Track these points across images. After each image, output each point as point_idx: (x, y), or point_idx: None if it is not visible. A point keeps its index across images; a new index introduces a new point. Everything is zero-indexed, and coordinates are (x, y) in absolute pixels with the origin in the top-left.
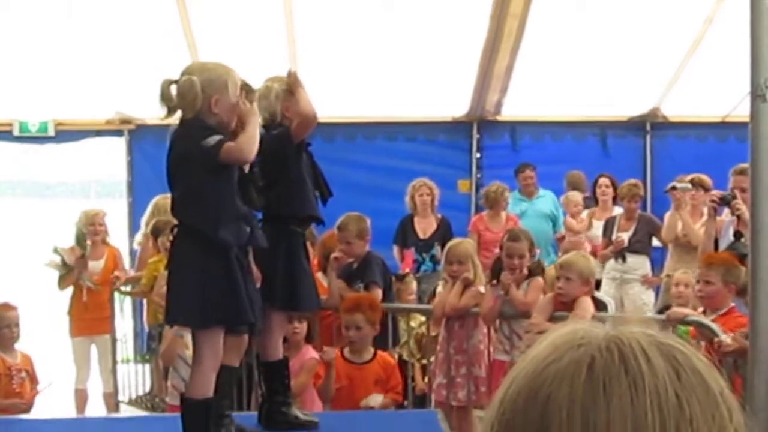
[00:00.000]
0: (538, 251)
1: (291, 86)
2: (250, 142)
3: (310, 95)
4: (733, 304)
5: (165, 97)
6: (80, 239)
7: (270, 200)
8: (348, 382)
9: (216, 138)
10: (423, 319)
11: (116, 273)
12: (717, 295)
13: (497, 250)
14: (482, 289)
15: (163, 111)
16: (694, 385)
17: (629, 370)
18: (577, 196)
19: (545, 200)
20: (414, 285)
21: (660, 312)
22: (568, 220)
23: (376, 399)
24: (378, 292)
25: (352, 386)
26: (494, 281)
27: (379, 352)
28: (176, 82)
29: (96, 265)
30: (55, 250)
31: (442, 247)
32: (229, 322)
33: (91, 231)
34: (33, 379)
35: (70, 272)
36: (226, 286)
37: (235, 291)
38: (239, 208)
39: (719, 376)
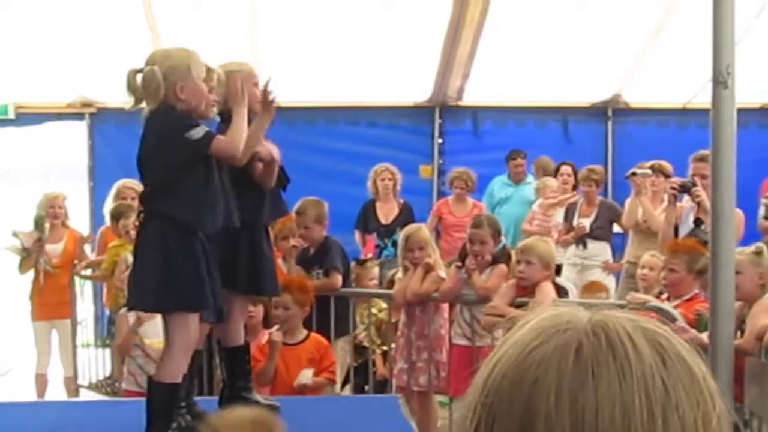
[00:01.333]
0: (503, 239)
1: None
2: (240, 133)
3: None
4: (696, 291)
5: (131, 87)
6: (38, 222)
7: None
8: (281, 363)
9: (201, 130)
10: (384, 305)
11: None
12: (681, 283)
13: (458, 234)
14: (442, 273)
15: (131, 101)
16: (679, 371)
17: (617, 355)
18: (552, 182)
19: (531, 186)
20: (375, 270)
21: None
22: (542, 202)
23: (307, 375)
24: (338, 278)
25: (285, 367)
26: (459, 264)
27: (312, 333)
28: (141, 71)
29: (55, 248)
30: (15, 234)
31: None
32: (188, 308)
33: (50, 214)
34: None
35: (29, 256)
36: (189, 271)
37: (197, 276)
38: (216, 194)
39: (701, 361)
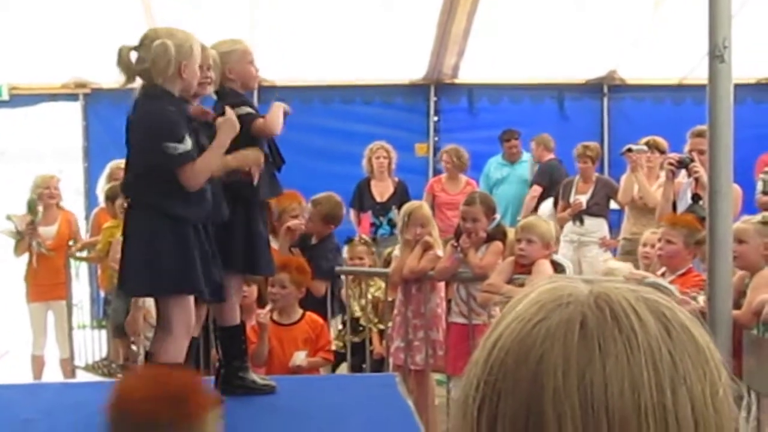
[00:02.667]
0: (497, 216)
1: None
2: (206, 169)
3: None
4: (691, 265)
5: (123, 63)
6: (31, 206)
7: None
8: (277, 344)
9: (182, 147)
10: (382, 284)
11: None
12: (677, 256)
13: (451, 213)
14: (440, 252)
15: (122, 79)
16: (685, 342)
17: (622, 328)
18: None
19: (527, 165)
20: (360, 249)
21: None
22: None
23: (300, 356)
24: (321, 289)
25: (281, 347)
26: (455, 243)
27: (307, 313)
28: (137, 47)
29: (49, 230)
30: (8, 217)
31: (400, 210)
32: (180, 291)
33: (45, 195)
34: None
35: (23, 239)
36: (179, 254)
37: (188, 259)
38: (204, 188)
39: (704, 331)
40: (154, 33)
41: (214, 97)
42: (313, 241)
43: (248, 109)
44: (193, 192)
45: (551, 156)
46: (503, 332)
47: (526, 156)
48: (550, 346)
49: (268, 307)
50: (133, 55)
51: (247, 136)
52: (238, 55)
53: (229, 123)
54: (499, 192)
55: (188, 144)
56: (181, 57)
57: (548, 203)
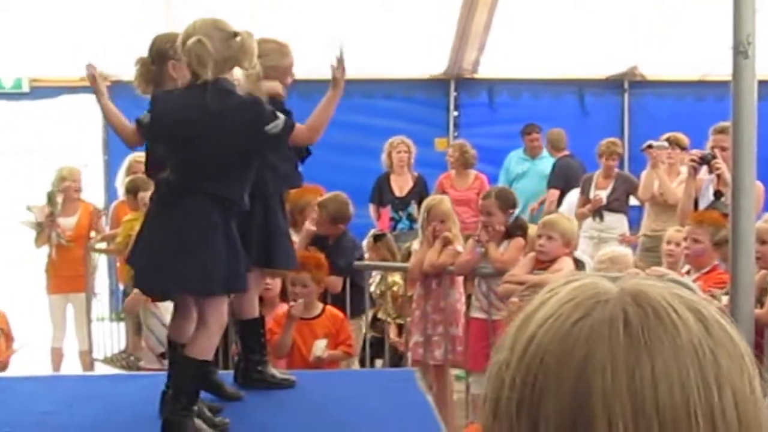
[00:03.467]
0: (514, 210)
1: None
2: (322, 123)
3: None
4: (716, 262)
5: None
6: (51, 197)
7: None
8: (298, 337)
9: (281, 123)
10: (400, 280)
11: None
12: (704, 254)
13: (461, 208)
14: (460, 248)
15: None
16: (723, 339)
17: (666, 327)
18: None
19: (548, 161)
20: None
21: None
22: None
23: (320, 346)
24: (337, 284)
25: (302, 341)
26: (478, 237)
27: (327, 307)
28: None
29: (69, 222)
30: (29, 209)
31: (419, 205)
32: (231, 290)
33: (65, 187)
34: (8, 337)
35: (43, 230)
36: (231, 253)
37: (238, 258)
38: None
39: (735, 327)
40: (194, 28)
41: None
42: (330, 241)
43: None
44: (244, 179)
45: (563, 153)
46: (536, 331)
47: (546, 152)
48: (594, 345)
49: (300, 300)
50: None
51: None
52: (281, 71)
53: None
54: (519, 187)
55: (280, 117)
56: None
57: (573, 194)
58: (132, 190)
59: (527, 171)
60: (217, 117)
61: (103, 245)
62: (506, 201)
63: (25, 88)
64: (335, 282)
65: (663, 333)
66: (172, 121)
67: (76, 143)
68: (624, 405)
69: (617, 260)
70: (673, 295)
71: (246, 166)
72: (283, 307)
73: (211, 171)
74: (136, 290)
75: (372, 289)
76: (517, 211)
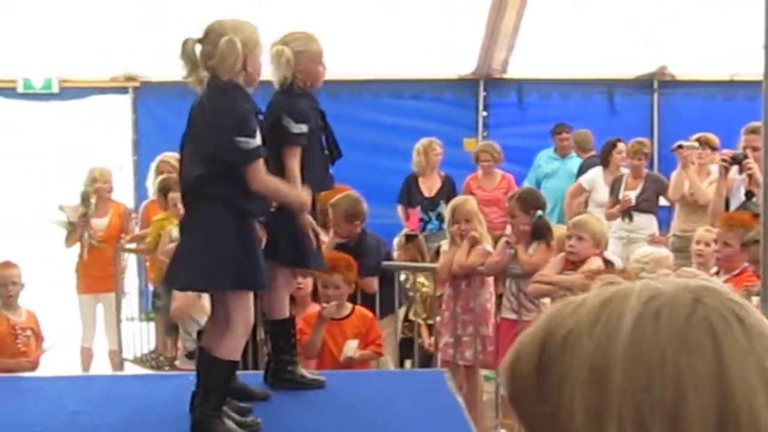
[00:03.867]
0: (537, 212)
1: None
2: (273, 188)
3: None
4: (745, 264)
5: (188, 56)
6: (84, 197)
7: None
8: (328, 338)
9: (252, 144)
10: (427, 281)
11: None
12: (734, 257)
13: (488, 209)
14: (488, 247)
15: (183, 70)
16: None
17: (746, 329)
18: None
19: (577, 161)
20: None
21: None
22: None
23: (351, 346)
24: (372, 283)
25: (332, 342)
26: (508, 238)
27: (357, 307)
28: (201, 41)
29: (101, 222)
30: (61, 208)
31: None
32: (244, 286)
33: (98, 189)
34: (38, 337)
35: (75, 230)
36: (244, 249)
37: (253, 255)
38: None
39: None
40: (220, 26)
41: (276, 87)
42: (350, 244)
43: (302, 129)
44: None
45: (590, 153)
46: (635, 334)
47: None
48: (720, 340)
49: (333, 303)
50: (198, 48)
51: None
52: (310, 55)
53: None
54: (548, 186)
55: (258, 140)
56: (246, 51)
57: (596, 170)
58: (162, 190)
59: (557, 170)
60: (196, 116)
61: (132, 245)
62: (528, 202)
63: (55, 89)
64: (370, 282)
65: (744, 337)
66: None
67: (105, 144)
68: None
69: (661, 262)
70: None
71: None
72: (314, 308)
73: (209, 174)
74: (186, 294)
75: (402, 278)
76: (547, 211)
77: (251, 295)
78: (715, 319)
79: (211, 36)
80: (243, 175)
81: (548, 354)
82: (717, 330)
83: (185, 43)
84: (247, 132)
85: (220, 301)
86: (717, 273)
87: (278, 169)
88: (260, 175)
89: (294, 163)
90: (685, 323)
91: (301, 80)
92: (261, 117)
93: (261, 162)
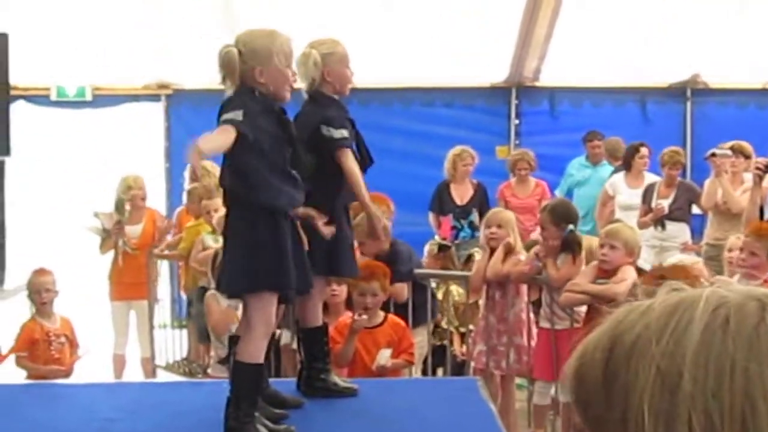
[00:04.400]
0: (569, 226)
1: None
2: (211, 144)
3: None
4: None
5: (221, 63)
6: (119, 205)
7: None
8: (361, 346)
9: (230, 114)
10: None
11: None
12: (760, 267)
13: (523, 216)
14: (522, 257)
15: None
16: None
17: None
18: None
19: (609, 168)
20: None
21: None
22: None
23: (385, 355)
24: (403, 290)
25: (364, 350)
26: (537, 251)
27: (389, 315)
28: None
29: (135, 230)
30: (96, 215)
31: (480, 213)
32: (275, 288)
33: (136, 196)
34: (72, 344)
35: (109, 237)
36: (274, 251)
37: (282, 255)
38: (285, 173)
39: None
40: (238, 37)
41: (305, 96)
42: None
43: (344, 134)
44: (277, 180)
45: (620, 163)
46: (704, 342)
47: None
48: (757, 360)
49: (365, 316)
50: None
51: (332, 161)
52: (337, 57)
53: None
54: (580, 193)
55: (240, 115)
56: (255, 62)
57: (617, 175)
58: (195, 197)
59: (588, 178)
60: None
61: (164, 250)
62: (559, 215)
63: (88, 97)
64: (401, 289)
65: None
66: None
67: (138, 151)
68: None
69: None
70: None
71: (252, 164)
72: (347, 316)
73: (230, 173)
74: (221, 309)
75: (433, 285)
76: (579, 221)
77: (274, 297)
78: (753, 339)
79: (228, 46)
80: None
81: (615, 360)
82: (756, 348)
83: (220, 50)
84: (233, 107)
85: (245, 303)
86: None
87: (323, 178)
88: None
89: (352, 163)
90: (754, 331)
91: (330, 84)
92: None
93: (223, 127)
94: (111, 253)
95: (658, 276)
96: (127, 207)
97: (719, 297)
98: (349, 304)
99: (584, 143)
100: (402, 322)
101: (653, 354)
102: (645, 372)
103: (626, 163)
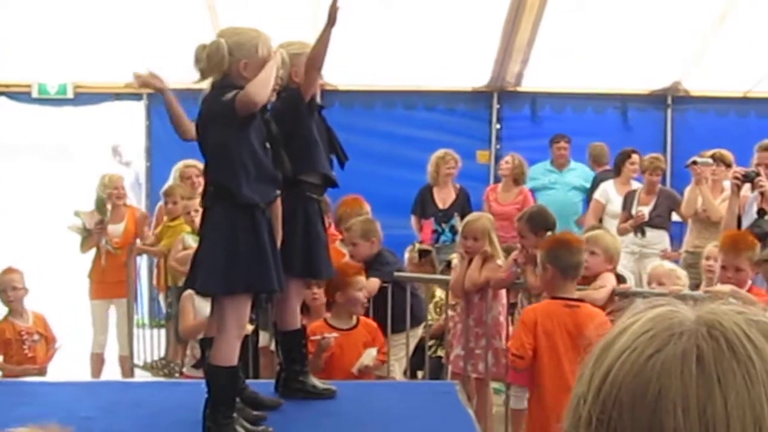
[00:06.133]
0: (547, 233)
1: (330, 16)
2: (260, 84)
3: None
4: (750, 282)
5: (198, 60)
6: (99, 204)
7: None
8: (337, 349)
9: (233, 92)
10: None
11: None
12: (747, 279)
13: (501, 223)
14: (500, 262)
15: (197, 75)
16: None
17: (740, 359)
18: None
19: (576, 172)
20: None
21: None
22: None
23: (371, 354)
24: (374, 282)
25: (341, 352)
26: (516, 257)
27: (362, 318)
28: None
29: (117, 229)
30: (76, 214)
31: (462, 217)
32: (255, 289)
33: (112, 195)
34: (48, 340)
35: (90, 236)
36: (254, 252)
37: (263, 257)
38: (266, 168)
39: None
40: (221, 31)
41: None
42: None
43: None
44: (255, 174)
45: (604, 168)
46: (612, 365)
47: (574, 164)
48: (667, 381)
49: (333, 336)
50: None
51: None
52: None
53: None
54: (546, 198)
55: (234, 91)
56: (240, 54)
57: (607, 183)
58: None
59: (555, 183)
60: (200, 109)
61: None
62: (537, 223)
63: (70, 94)
64: (374, 282)
65: (736, 366)
66: None
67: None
68: None
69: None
70: (749, 322)
71: (234, 149)
72: (316, 324)
73: (212, 163)
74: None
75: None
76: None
77: (248, 299)
78: (672, 359)
79: (213, 42)
80: (242, 118)
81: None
82: (668, 372)
83: (196, 48)
84: (226, 91)
85: (216, 305)
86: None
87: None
88: (242, 95)
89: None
90: (645, 362)
91: (298, 84)
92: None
93: (243, 91)
94: (91, 252)
95: None
96: (109, 206)
97: (652, 319)
98: (330, 306)
99: (550, 146)
100: (374, 323)
101: (586, 378)
102: None
103: (616, 169)
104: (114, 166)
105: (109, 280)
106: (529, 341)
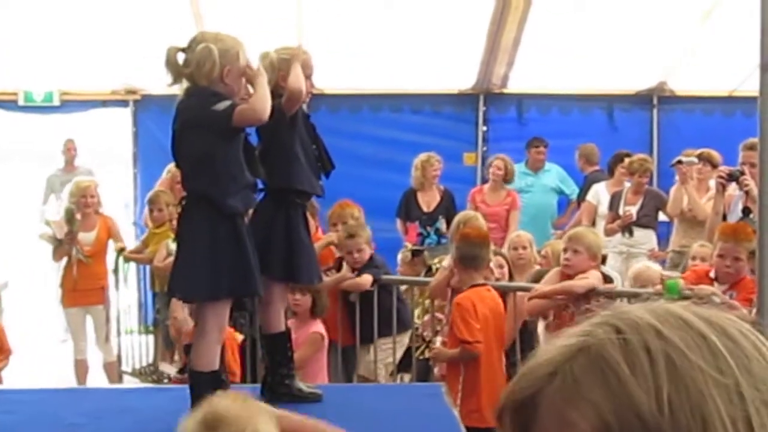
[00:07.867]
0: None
1: (292, 58)
2: (262, 101)
3: (312, 68)
4: (745, 273)
5: (171, 64)
6: (69, 214)
7: (266, 172)
8: None
9: (226, 103)
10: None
11: (119, 245)
12: (744, 269)
13: (489, 225)
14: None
15: (168, 78)
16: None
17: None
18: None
19: (551, 174)
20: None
21: None
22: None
23: None
24: (366, 278)
25: None
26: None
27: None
28: (184, 49)
29: (88, 237)
30: (47, 223)
31: (447, 219)
32: (238, 293)
33: (82, 203)
34: (2, 350)
35: (61, 245)
36: (236, 257)
37: (245, 262)
38: (247, 176)
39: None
40: (202, 36)
41: None
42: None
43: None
44: (238, 182)
45: (594, 168)
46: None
47: (548, 165)
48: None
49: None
50: (180, 57)
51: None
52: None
53: (258, 73)
54: (523, 202)
55: (228, 101)
56: (225, 61)
57: (598, 185)
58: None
59: (532, 185)
60: (176, 115)
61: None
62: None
63: (56, 102)
64: (365, 278)
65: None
66: None
67: (105, 156)
68: None
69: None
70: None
71: (220, 158)
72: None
73: (189, 170)
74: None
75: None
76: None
77: (228, 303)
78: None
79: (192, 44)
80: (234, 129)
81: None
82: None
83: (168, 51)
84: (216, 99)
85: (198, 308)
86: (715, 279)
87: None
88: (246, 110)
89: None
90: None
91: (285, 90)
92: None
93: (241, 106)
94: (64, 261)
95: None
96: (78, 215)
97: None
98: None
99: (527, 149)
100: None
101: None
102: None
103: (610, 171)
104: (99, 173)
105: (83, 288)
106: (477, 326)
